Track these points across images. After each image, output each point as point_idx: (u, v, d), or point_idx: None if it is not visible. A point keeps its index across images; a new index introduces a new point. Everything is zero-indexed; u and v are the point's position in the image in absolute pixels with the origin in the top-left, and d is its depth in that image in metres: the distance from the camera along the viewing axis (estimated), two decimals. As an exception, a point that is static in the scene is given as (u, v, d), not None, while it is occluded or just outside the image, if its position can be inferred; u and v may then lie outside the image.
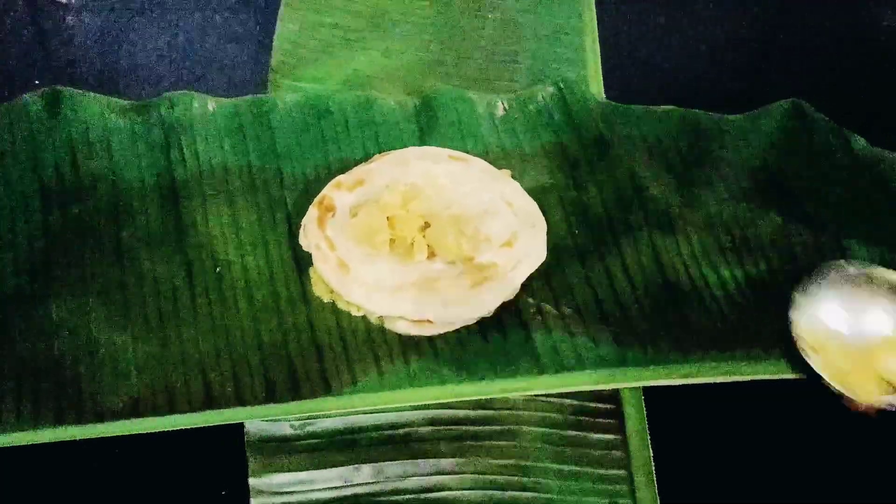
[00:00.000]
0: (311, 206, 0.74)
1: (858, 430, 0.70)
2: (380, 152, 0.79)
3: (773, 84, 0.91)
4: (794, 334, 0.68)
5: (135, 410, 0.65)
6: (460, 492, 0.66)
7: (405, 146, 0.80)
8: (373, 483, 0.66)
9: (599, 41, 0.93)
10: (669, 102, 0.85)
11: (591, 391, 0.70)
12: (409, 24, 0.94)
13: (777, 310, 0.72)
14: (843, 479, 0.69)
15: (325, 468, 0.66)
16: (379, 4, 0.95)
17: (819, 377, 0.67)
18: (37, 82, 0.87)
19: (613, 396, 0.71)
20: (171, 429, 0.65)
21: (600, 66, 0.91)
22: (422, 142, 0.81)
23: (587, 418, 0.70)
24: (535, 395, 0.70)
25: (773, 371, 0.69)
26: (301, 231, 0.74)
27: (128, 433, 0.65)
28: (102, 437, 0.64)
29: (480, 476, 0.66)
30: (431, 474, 0.66)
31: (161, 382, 0.66)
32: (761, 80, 0.93)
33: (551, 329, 0.71)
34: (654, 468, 0.67)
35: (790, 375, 0.69)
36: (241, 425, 0.67)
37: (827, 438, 0.70)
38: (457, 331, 0.71)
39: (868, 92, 0.91)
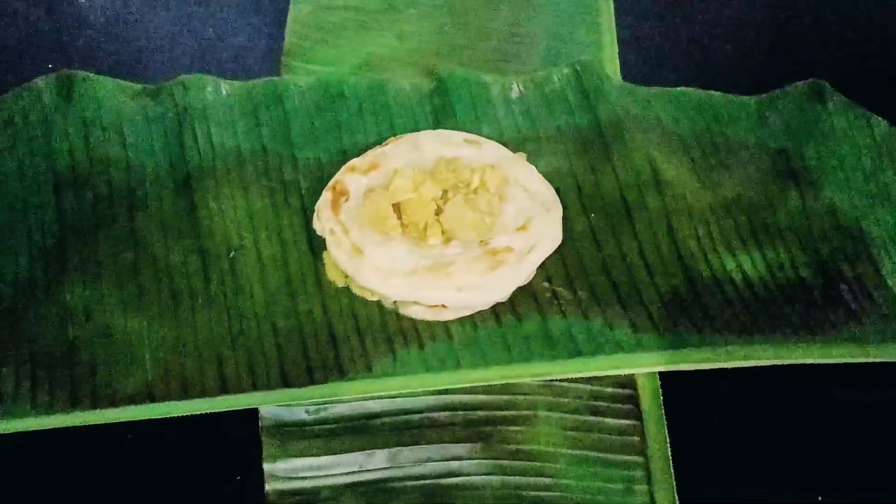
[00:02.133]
0: (324, 191, 0.74)
1: (879, 415, 0.70)
2: (394, 136, 0.79)
3: (792, 65, 0.90)
4: None
5: (149, 396, 0.65)
6: (475, 477, 0.66)
7: (419, 129, 0.80)
8: (387, 469, 0.66)
9: (616, 22, 0.92)
10: (686, 84, 0.85)
11: (607, 376, 0.70)
12: (423, 5, 0.93)
13: (795, 294, 0.72)
14: (860, 463, 0.68)
15: (340, 454, 0.66)
16: (392, -15, 0.95)
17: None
18: (50, 66, 0.87)
19: (630, 382, 0.70)
20: (185, 414, 0.65)
21: (616, 48, 0.90)
22: (436, 125, 0.81)
23: (603, 404, 0.69)
24: (551, 381, 0.70)
25: (793, 356, 0.69)
26: (315, 215, 0.74)
27: (142, 418, 0.65)
28: (117, 423, 0.65)
29: (495, 462, 0.66)
30: (446, 460, 0.66)
31: (175, 368, 0.67)
32: (780, 60, 0.91)
33: (567, 314, 0.71)
34: (670, 454, 0.67)
35: (809, 360, 0.69)
36: (256, 410, 0.67)
37: (846, 423, 0.70)
38: (471, 316, 0.71)
39: (890, 72, 0.89)
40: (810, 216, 0.77)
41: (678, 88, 0.84)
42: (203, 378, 0.66)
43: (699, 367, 0.68)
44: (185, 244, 0.72)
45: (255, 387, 0.66)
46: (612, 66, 0.88)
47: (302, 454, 0.66)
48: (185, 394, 0.66)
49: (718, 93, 0.84)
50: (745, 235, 0.75)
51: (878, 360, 0.69)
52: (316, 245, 0.73)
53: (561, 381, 0.70)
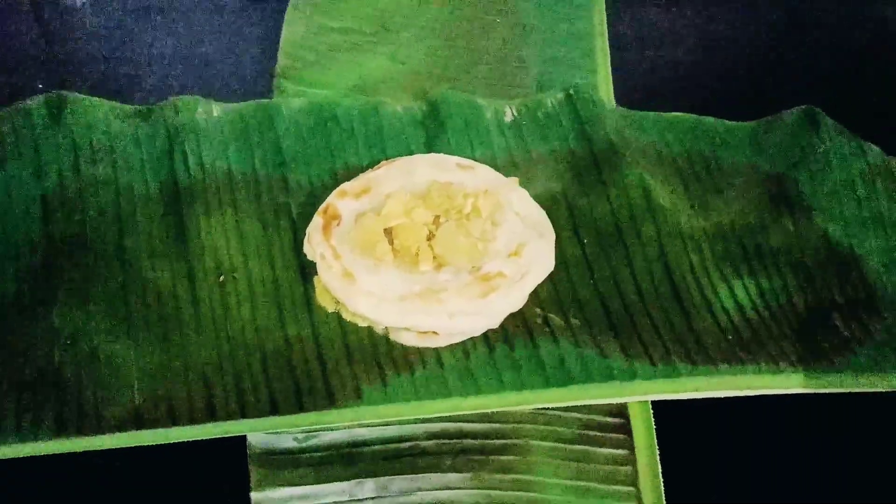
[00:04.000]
0: (315, 214, 0.74)
1: (878, 446, 0.69)
2: (386, 159, 0.78)
3: (785, 91, 0.90)
4: None
5: (136, 422, 0.64)
6: (466, 507, 0.65)
7: (412, 153, 0.79)
8: (377, 498, 0.65)
9: (610, 46, 0.92)
10: (680, 109, 0.85)
11: (599, 405, 0.69)
12: (416, 28, 0.93)
13: (788, 322, 0.72)
14: (857, 492, 0.68)
15: (329, 482, 0.65)
16: (386, 8, 0.94)
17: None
18: (40, 86, 0.86)
19: (622, 411, 0.70)
20: (172, 441, 0.64)
21: (610, 72, 0.90)
22: (429, 148, 0.80)
23: (595, 433, 0.69)
24: (542, 409, 0.69)
25: (785, 385, 0.68)
26: (305, 240, 0.73)
27: (129, 445, 0.64)
28: (103, 449, 0.64)
29: (486, 491, 0.65)
30: (436, 489, 0.65)
31: (163, 393, 0.66)
32: (774, 86, 0.92)
33: (559, 340, 0.70)
34: (663, 485, 0.66)
35: (802, 389, 0.68)
36: (244, 437, 0.66)
37: (842, 454, 0.69)
38: (463, 342, 0.70)
39: (883, 99, 0.89)
40: (804, 242, 0.77)
41: (672, 113, 0.84)
42: (191, 404, 0.66)
43: (692, 396, 0.68)
44: (175, 267, 0.72)
45: (243, 413, 0.65)
46: (605, 90, 0.89)
47: (290, 483, 0.65)
48: (172, 420, 0.65)
49: (712, 118, 0.84)
50: (738, 262, 0.75)
51: (871, 390, 0.68)
52: (307, 269, 0.73)
53: (553, 409, 0.69)
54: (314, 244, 0.72)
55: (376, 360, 0.69)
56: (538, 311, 0.72)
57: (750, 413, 0.69)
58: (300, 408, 0.66)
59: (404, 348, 0.70)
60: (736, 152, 0.82)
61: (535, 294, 0.72)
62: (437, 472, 0.66)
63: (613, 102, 0.87)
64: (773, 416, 0.70)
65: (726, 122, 0.84)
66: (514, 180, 0.77)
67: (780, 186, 0.80)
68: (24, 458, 0.63)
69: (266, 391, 0.67)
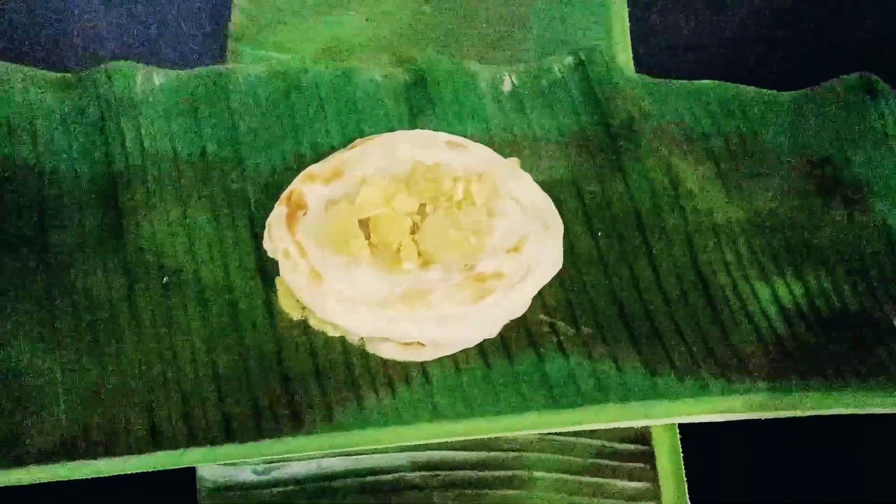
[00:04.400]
0: (277, 203, 0.73)
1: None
2: (362, 136, 0.78)
3: (833, 57, 0.90)
4: None
5: (65, 452, 0.64)
6: (457, 552, 0.66)
7: (393, 129, 0.79)
8: (351, 541, 0.65)
9: (628, 2, 0.92)
10: (711, 77, 0.84)
11: (615, 429, 0.70)
12: (398, -20, 0.93)
13: (841, 329, 0.72)
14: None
15: (295, 523, 0.66)
16: (362, -44, 0.94)
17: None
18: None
19: (644, 436, 0.70)
20: (109, 474, 0.64)
21: (628, 32, 0.90)
22: (412, 124, 0.80)
23: (611, 462, 0.69)
24: (549, 434, 0.70)
25: (839, 405, 0.68)
26: (266, 233, 0.73)
27: (55, 480, 0.64)
28: (24, 486, 0.63)
29: (482, 533, 0.66)
30: (422, 531, 0.66)
31: (97, 418, 0.66)
32: (821, 50, 0.91)
33: (568, 353, 0.70)
34: (691, 523, 0.67)
35: (858, 410, 0.68)
36: (193, 470, 0.67)
37: (882, 483, 0.69)
38: (453, 355, 0.70)
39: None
40: (859, 235, 0.77)
41: (702, 81, 0.84)
42: (129, 431, 0.65)
43: (726, 419, 0.68)
44: (109, 267, 0.71)
45: (192, 441, 0.65)
46: (623, 54, 0.88)
47: (248, 523, 0.66)
48: (108, 450, 0.64)
49: (750, 87, 0.84)
50: (781, 259, 0.75)
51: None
52: (267, 269, 0.73)
53: (561, 434, 0.70)
54: (276, 239, 0.72)
55: (350, 377, 0.69)
56: (543, 317, 0.72)
57: (794, 437, 0.69)
58: (260, 434, 0.66)
59: (384, 362, 0.70)
60: (777, 129, 0.82)
61: (539, 297, 0.72)
62: (423, 511, 0.66)
63: (633, 69, 0.87)
64: (820, 442, 0.70)
65: (767, 91, 0.84)
66: (514, 162, 0.77)
67: (831, 169, 0.80)
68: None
69: (219, 414, 0.66)
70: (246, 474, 0.67)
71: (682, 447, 0.69)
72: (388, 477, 0.67)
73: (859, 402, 0.68)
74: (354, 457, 0.67)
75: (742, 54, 0.91)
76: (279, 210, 0.73)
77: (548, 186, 0.76)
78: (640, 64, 0.88)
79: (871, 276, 0.75)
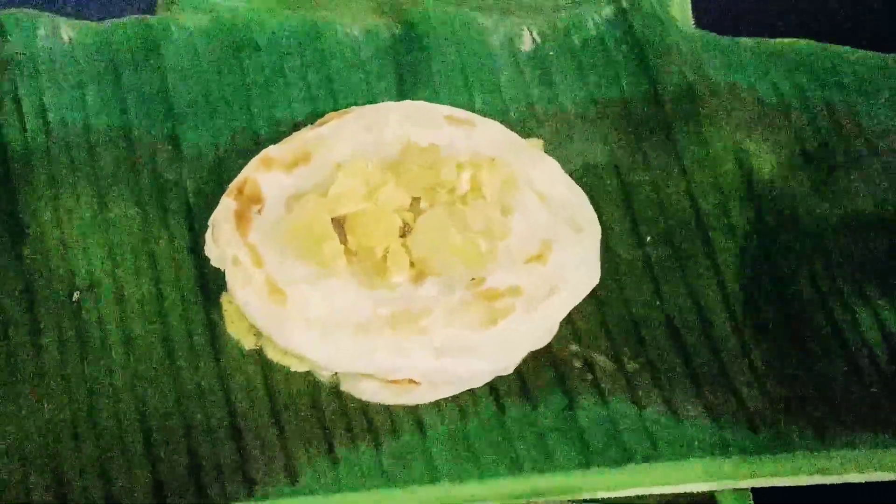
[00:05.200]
0: (224, 196, 0.74)
1: None
2: (335, 109, 0.79)
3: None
4: None
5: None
6: None
7: (376, 100, 0.80)
8: None
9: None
10: (792, 33, 0.85)
11: (670, 495, 0.70)
12: None
13: None
14: None
15: None
16: None
17: None
18: None
19: (707, 501, 0.70)
20: (0, 553, 0.65)
21: (685, -27, 0.91)
22: (402, 93, 0.81)
23: None
24: (581, 501, 0.69)
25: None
26: (209, 235, 0.73)
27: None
28: None
29: None
30: None
31: (-14, 477, 0.66)
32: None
33: (607, 395, 0.71)
34: None
35: None
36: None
37: None
38: (456, 397, 0.71)
39: None
40: None
41: (781, 40, 0.85)
42: (29, 494, 0.65)
43: (815, 482, 0.68)
44: (5, 280, 0.72)
45: (110, 508, 0.66)
46: (679, 4, 0.89)
47: None
48: (-2, 521, 0.65)
49: (846, 48, 0.85)
50: (886, 273, 0.76)
51: None
52: (210, 283, 0.73)
53: (599, 501, 0.69)
54: (223, 243, 0.72)
55: (321, 425, 0.69)
56: (574, 348, 0.72)
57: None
58: (201, 501, 0.66)
59: (364, 406, 0.70)
60: (884, 104, 0.83)
61: (569, 321, 0.72)
62: None
63: (691, 22, 0.88)
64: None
65: (870, 54, 0.85)
66: (535, 143, 0.78)
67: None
68: None
69: (147, 475, 0.67)
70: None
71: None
72: (371, 559, 0.67)
73: None
74: (326, 531, 0.68)
75: (838, 4, 0.92)
76: (227, 205, 0.73)
77: (580, 176, 0.77)
78: (701, 15, 0.88)
79: None
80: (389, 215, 0.71)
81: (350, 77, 0.81)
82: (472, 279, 0.71)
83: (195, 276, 0.74)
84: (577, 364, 0.72)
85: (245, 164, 0.75)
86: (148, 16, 0.82)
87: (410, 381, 0.70)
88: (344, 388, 0.70)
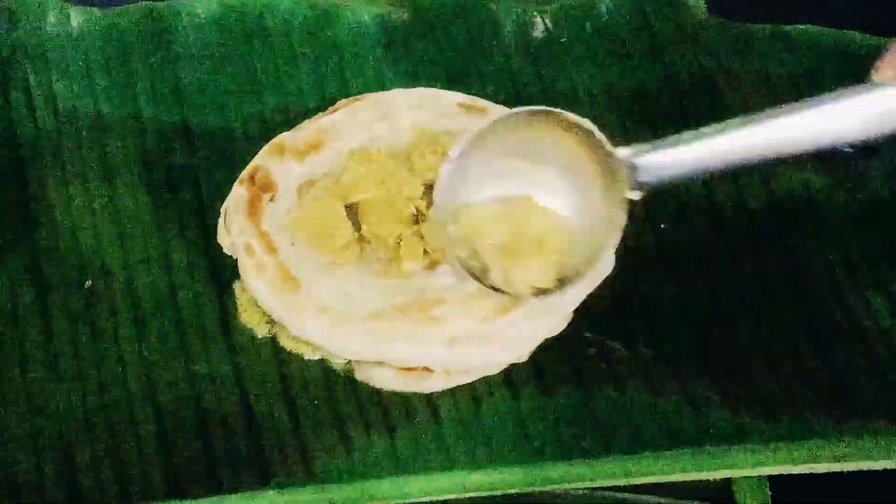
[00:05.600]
0: (236, 184, 0.74)
1: None
2: (346, 97, 0.79)
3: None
4: None
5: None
6: None
7: (387, 87, 0.80)
8: None
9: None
10: (811, 20, 0.85)
11: (686, 482, 0.70)
12: None
13: None
14: None
15: None
16: None
17: None
18: None
19: (723, 488, 0.71)
20: (13, 543, 0.65)
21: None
22: (413, 81, 0.81)
23: None
24: (596, 489, 0.70)
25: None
26: (221, 223, 0.73)
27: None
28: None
29: None
30: None
31: (-3, 468, 0.66)
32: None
33: (623, 383, 0.71)
34: None
35: None
36: (127, 537, 0.67)
37: None
38: (471, 385, 0.70)
39: None
40: None
41: (797, 27, 0.85)
42: (41, 483, 0.66)
43: (833, 470, 0.68)
44: (13, 267, 0.72)
45: (125, 500, 0.66)
46: (694, -12, 0.89)
47: None
48: (11, 510, 0.65)
49: (868, 36, 0.85)
50: (897, 259, 0.76)
51: None
52: (223, 271, 0.73)
53: (616, 490, 0.70)
54: (235, 231, 0.72)
55: (335, 413, 0.69)
56: (590, 335, 0.72)
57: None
58: (215, 489, 0.66)
59: (378, 394, 0.70)
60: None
61: (583, 309, 0.72)
62: None
63: (704, 8, 0.87)
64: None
65: (876, 39, 0.84)
66: (549, 131, 0.78)
67: None
68: None
69: (160, 464, 0.67)
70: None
71: (773, 507, 0.70)
72: (386, 547, 0.67)
73: None
74: (341, 519, 0.68)
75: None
76: (239, 193, 0.73)
77: (595, 163, 0.77)
78: (715, 1, 0.88)
79: None
80: (402, 203, 0.72)
81: (361, 64, 0.81)
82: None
83: (207, 263, 0.74)
84: (592, 351, 0.72)
85: (257, 151, 0.75)
86: (156, 2, 0.82)
87: (425, 369, 0.70)
88: (358, 376, 0.70)
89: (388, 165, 0.73)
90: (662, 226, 0.77)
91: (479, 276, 0.68)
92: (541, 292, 0.68)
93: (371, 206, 0.72)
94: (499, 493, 0.68)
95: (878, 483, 0.70)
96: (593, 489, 0.70)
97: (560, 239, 0.69)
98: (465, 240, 0.69)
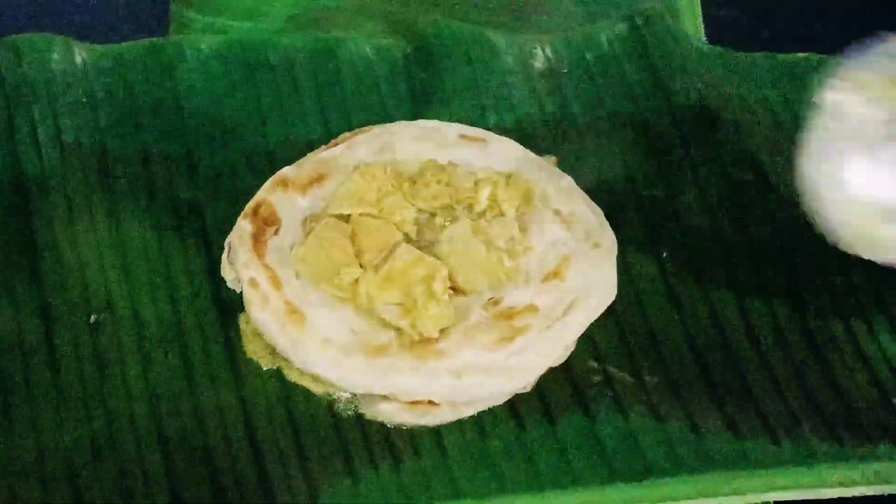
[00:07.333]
0: (240, 218, 0.74)
1: None
2: (349, 129, 0.79)
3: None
4: None
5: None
6: None
7: (390, 119, 0.80)
8: None
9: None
10: (807, 48, 0.86)
11: (692, 510, 0.70)
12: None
13: None
14: None
15: None
16: None
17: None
18: None
19: (728, 516, 0.70)
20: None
21: (699, -7, 0.92)
22: (415, 112, 0.81)
23: None
24: (603, 518, 0.69)
25: None
26: (225, 257, 0.74)
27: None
28: None
29: None
30: None
31: (6, 498, 0.65)
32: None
33: (627, 410, 0.70)
34: None
35: None
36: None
37: None
38: (476, 416, 0.70)
39: None
40: None
41: (796, 55, 0.85)
42: (47, 520, 0.66)
43: (837, 495, 0.68)
44: (20, 301, 0.72)
45: (131, 533, 0.66)
46: (692, 19, 0.90)
47: None
48: (18, 544, 0.65)
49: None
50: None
51: None
52: (228, 304, 0.74)
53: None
54: (240, 264, 0.72)
55: (340, 445, 0.69)
56: (594, 364, 0.72)
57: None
58: (222, 519, 0.66)
59: (383, 428, 0.70)
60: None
61: (587, 338, 0.72)
62: None
63: (704, 38, 0.88)
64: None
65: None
66: (549, 160, 0.78)
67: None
68: None
69: (167, 495, 0.66)
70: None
71: (779, 534, 0.69)
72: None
73: None
74: (348, 552, 0.67)
75: (847, 19, 0.92)
76: (243, 226, 0.73)
77: (596, 192, 0.77)
78: (713, 31, 0.89)
79: None
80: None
81: (363, 96, 0.82)
82: (490, 299, 0.71)
83: (212, 296, 0.74)
84: (597, 379, 0.72)
85: (261, 184, 0.75)
86: (160, 38, 0.83)
87: (430, 402, 0.69)
88: (363, 409, 0.70)
89: (386, 185, 0.73)
90: (664, 254, 0.77)
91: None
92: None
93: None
94: (506, 523, 0.68)
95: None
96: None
97: None
98: None
